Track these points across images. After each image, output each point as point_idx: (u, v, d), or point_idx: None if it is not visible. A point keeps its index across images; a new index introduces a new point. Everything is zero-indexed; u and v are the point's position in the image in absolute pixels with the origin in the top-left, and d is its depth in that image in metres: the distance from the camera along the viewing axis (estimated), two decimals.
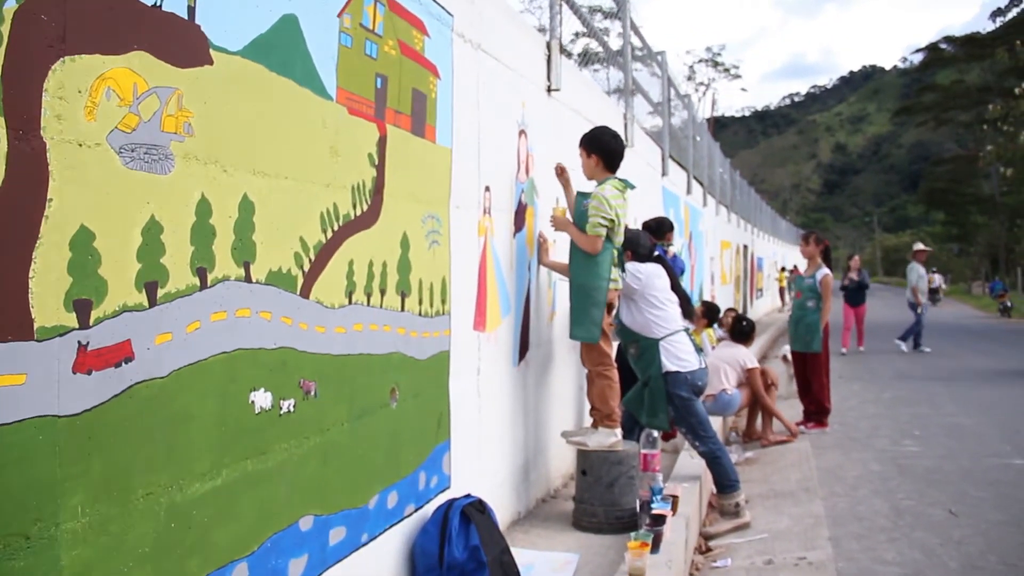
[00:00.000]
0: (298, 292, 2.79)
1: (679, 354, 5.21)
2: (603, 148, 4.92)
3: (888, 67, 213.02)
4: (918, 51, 57.93)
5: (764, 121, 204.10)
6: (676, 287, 5.46)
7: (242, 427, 2.52)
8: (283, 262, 2.71)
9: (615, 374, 4.96)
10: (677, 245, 11.67)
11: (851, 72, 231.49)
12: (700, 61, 71.53)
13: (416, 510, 3.68)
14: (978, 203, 53.61)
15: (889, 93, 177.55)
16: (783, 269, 32.99)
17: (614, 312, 5.43)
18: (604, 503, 4.82)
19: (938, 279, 43.70)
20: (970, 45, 50.20)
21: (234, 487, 2.49)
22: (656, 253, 5.61)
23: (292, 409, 2.76)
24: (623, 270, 5.11)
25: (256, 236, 2.57)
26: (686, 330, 5.38)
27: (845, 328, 16.11)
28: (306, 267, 2.83)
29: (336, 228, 3.01)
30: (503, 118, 4.75)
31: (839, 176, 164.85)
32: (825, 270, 8.76)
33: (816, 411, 8.60)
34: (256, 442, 2.59)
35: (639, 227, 6.46)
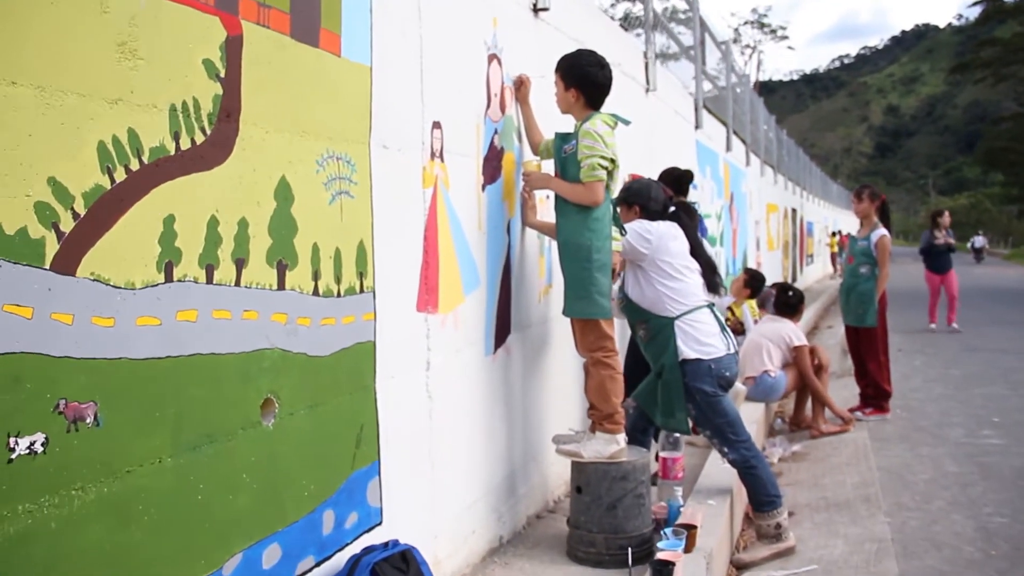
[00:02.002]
0: (48, 265, 1.75)
1: (700, 337, 4.09)
2: (584, 79, 3.81)
3: (942, 25, 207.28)
4: (975, 3, 55.26)
5: (813, 84, 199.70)
6: (697, 251, 4.33)
7: None
8: (9, 218, 1.66)
9: (618, 362, 3.88)
10: (716, 206, 10.54)
11: (903, 32, 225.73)
12: (745, 23, 69.93)
13: (319, 563, 2.65)
14: None
15: (943, 52, 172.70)
16: (834, 234, 31.49)
17: (618, 283, 4.34)
18: (604, 529, 3.74)
19: (981, 240, 42.07)
20: None
21: None
22: (672, 210, 4.48)
23: (41, 449, 1.73)
24: (620, 229, 4.00)
25: None
26: (710, 306, 4.25)
27: (933, 300, 13.77)
28: (65, 226, 1.78)
29: (135, 167, 1.96)
30: (462, 36, 3.67)
31: (891, 139, 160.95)
32: (882, 230, 7.50)
33: (874, 395, 7.38)
34: None
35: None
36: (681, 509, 3.91)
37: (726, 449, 4.17)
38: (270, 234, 2.41)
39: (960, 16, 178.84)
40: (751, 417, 6.06)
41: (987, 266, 36.53)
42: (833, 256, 30.33)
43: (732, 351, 4.16)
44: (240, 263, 2.29)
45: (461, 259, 3.57)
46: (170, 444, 2.06)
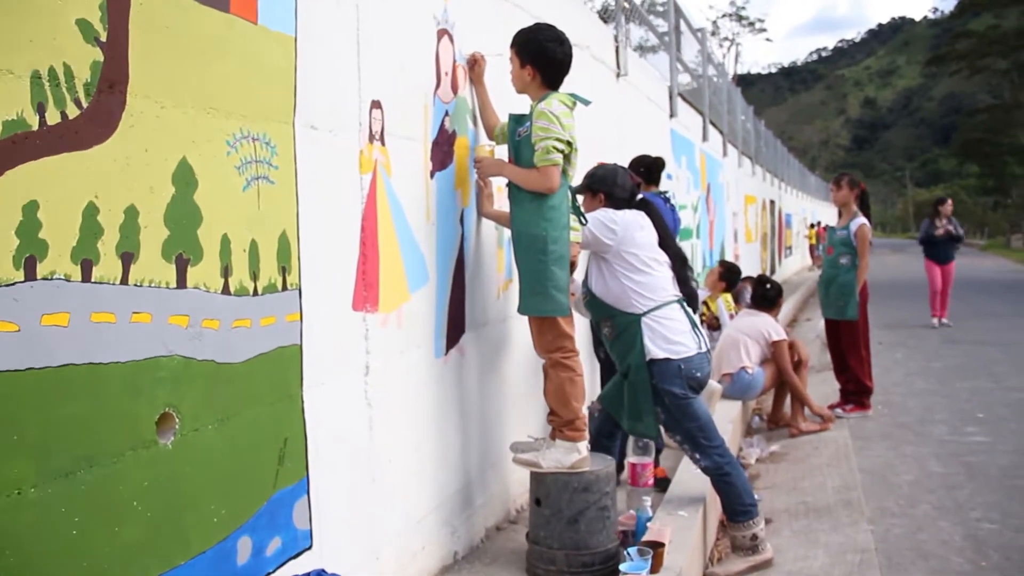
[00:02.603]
0: None
1: (669, 335, 3.78)
2: (540, 56, 3.49)
3: (918, 18, 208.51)
4: None
5: (791, 77, 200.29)
6: (667, 242, 4.03)
7: None
8: None
9: (579, 363, 3.57)
10: (692, 197, 10.27)
11: (879, 24, 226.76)
12: (724, 16, 69.96)
13: None
14: (1015, 154, 51.37)
15: (919, 45, 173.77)
16: (812, 225, 31.32)
17: (580, 276, 4.06)
18: (565, 545, 3.45)
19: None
20: None
21: None
22: (640, 197, 4.19)
23: None
24: (581, 217, 3.70)
25: None
26: (680, 301, 3.95)
27: (933, 292, 12.85)
28: None
29: None
30: (407, 8, 3.34)
31: (869, 131, 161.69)
32: (861, 219, 7.22)
33: (855, 391, 7.10)
34: None
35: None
36: (649, 524, 3.62)
37: (698, 455, 3.88)
38: (167, 224, 2.08)
39: (935, 9, 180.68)
40: (727, 416, 5.78)
41: (964, 256, 36.36)
42: (811, 248, 30.16)
43: (703, 350, 3.87)
44: (128, 258, 1.97)
45: (406, 253, 3.26)
46: (34, 472, 1.74)
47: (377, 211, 3.05)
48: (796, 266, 28.33)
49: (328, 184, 2.77)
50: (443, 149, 3.57)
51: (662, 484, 4.53)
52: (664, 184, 7.34)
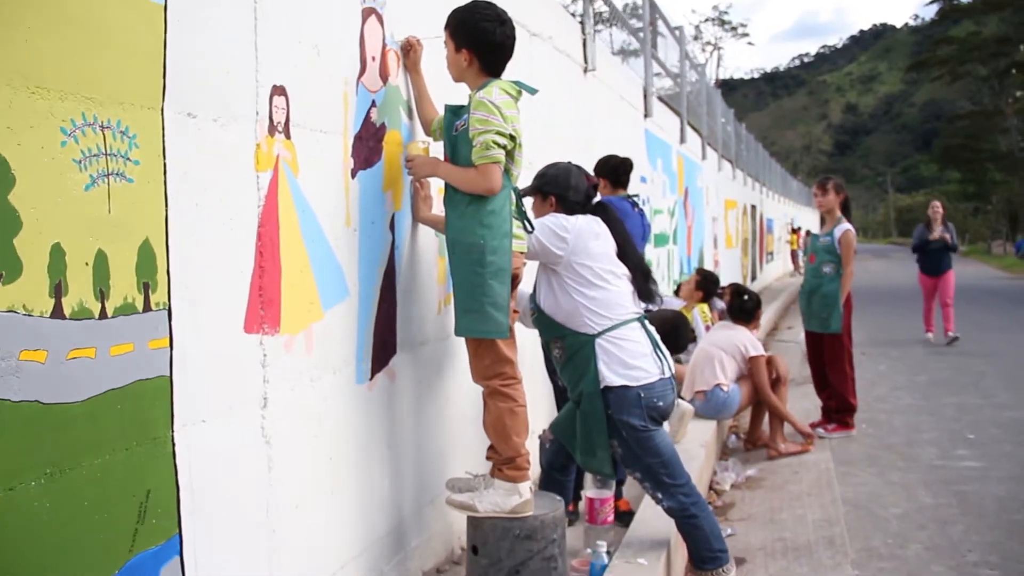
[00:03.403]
0: None
1: (626, 359, 3.33)
2: (477, 38, 3.04)
3: (899, 25, 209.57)
4: (932, 2, 55.63)
5: (773, 83, 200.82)
6: (627, 252, 3.58)
7: None
8: None
9: (520, 393, 3.12)
10: (669, 201, 9.86)
11: (861, 31, 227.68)
12: (707, 20, 70.07)
13: None
14: (996, 160, 51.39)
15: (900, 51, 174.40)
16: (795, 231, 31.00)
17: (527, 290, 3.63)
18: None
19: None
20: None
21: None
22: (597, 200, 3.75)
23: None
24: (526, 223, 3.24)
25: None
26: (640, 319, 3.50)
27: (927, 308, 12.07)
28: None
29: None
30: None
31: (850, 137, 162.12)
32: (846, 225, 6.78)
33: (838, 408, 6.68)
34: None
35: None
36: (605, 567, 3.16)
37: (660, 495, 3.42)
38: None
39: (916, 16, 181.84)
40: (700, 438, 5.35)
41: None
42: (793, 253, 29.83)
43: (666, 376, 3.41)
44: None
45: (318, 264, 2.80)
46: None
47: (279, 215, 2.60)
48: (777, 272, 28.04)
49: (212, 183, 2.31)
50: (368, 144, 3.12)
51: (625, 518, 4.10)
52: (637, 187, 6.94)
